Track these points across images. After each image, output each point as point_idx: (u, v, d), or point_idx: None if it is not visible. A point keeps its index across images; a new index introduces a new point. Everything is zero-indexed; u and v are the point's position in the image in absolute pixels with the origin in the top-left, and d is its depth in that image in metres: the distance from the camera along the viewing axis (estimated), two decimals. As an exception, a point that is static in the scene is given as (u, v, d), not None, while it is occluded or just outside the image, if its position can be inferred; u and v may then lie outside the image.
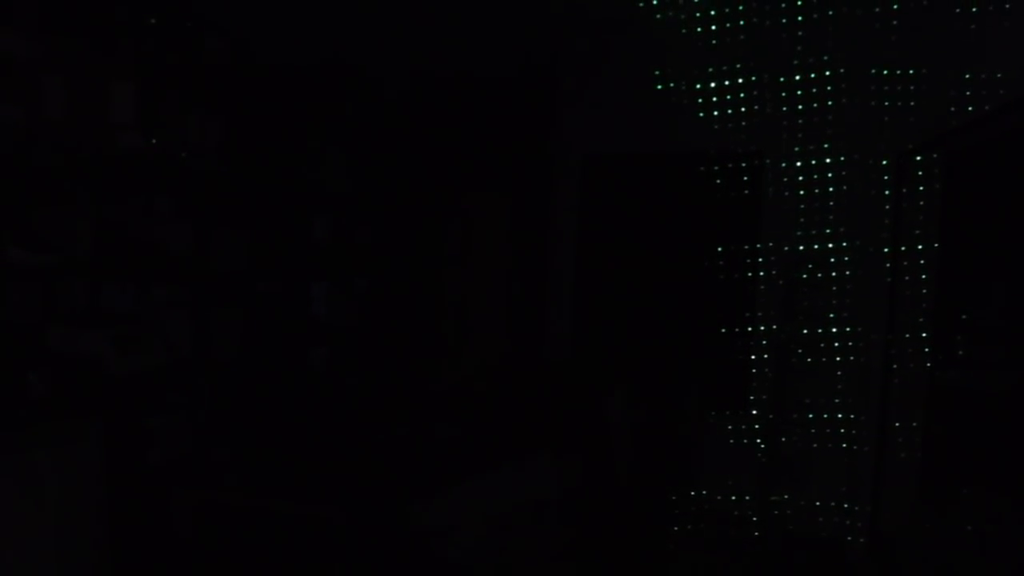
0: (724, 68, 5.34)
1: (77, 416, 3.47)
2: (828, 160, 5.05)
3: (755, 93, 5.24)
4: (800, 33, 5.08)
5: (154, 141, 3.81)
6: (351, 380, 4.92)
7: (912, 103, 4.62)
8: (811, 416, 5.13)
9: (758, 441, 5.26)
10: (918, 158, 4.68)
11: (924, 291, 4.80)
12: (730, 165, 5.41)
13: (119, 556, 3.58)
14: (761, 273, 5.31)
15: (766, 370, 5.26)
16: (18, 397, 3.31)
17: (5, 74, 3.23)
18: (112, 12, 3.70)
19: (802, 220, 5.14)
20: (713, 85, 5.36)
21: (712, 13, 5.34)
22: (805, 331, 5.13)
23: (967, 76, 4.15)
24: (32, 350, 3.48)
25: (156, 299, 4.01)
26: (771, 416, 5.18)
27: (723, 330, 5.48)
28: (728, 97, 5.33)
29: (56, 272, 3.55)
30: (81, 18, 3.56)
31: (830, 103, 5.00)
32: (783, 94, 5.15)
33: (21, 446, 3.19)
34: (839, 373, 5.04)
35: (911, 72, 4.64)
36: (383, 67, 5.20)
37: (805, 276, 5.11)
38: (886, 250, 4.81)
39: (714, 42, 5.35)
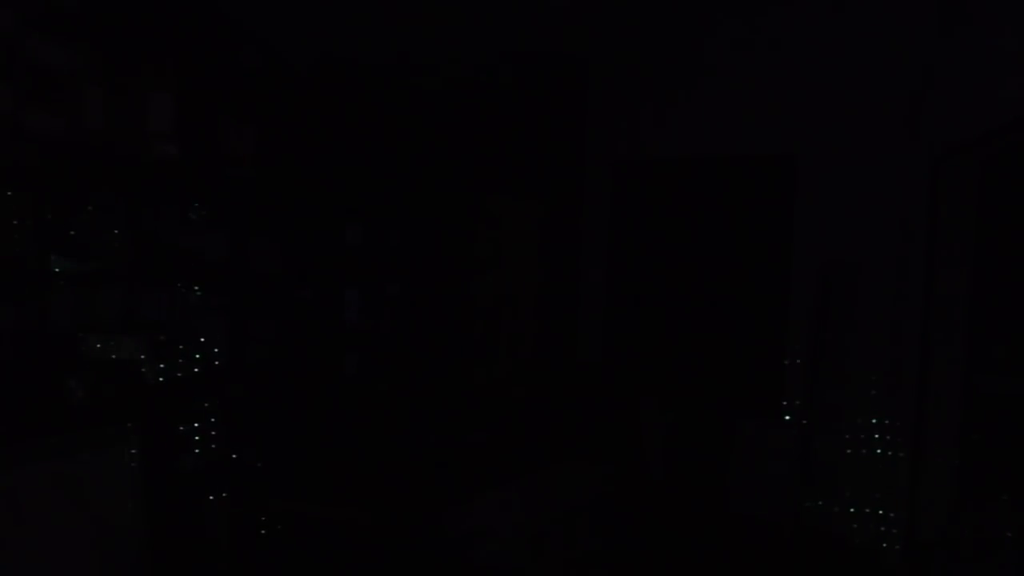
0: (757, 72, 5.31)
1: (114, 422, 3.52)
2: (863, 163, 5.00)
3: (789, 96, 5.21)
4: (834, 35, 5.05)
5: (190, 150, 3.86)
6: (383, 386, 4.94)
7: (950, 104, 4.56)
8: (846, 422, 5.08)
9: (792, 447, 5.21)
10: (956, 160, 4.63)
11: (961, 295, 4.74)
12: (763, 169, 5.38)
13: (154, 559, 3.62)
14: (795, 278, 5.26)
15: (800, 375, 5.21)
16: (57, 402, 3.36)
17: (46, 85, 3.29)
18: (150, 23, 3.75)
19: (836, 224, 5.10)
20: (745, 89, 5.34)
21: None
22: (839, 336, 5.08)
23: (1007, 75, 4.10)
24: (71, 356, 3.53)
25: (191, 306, 4.05)
26: (805, 422, 5.14)
27: (756, 335, 5.44)
28: (761, 101, 5.30)
29: (94, 279, 3.60)
30: (120, 29, 3.61)
31: (865, 105, 4.96)
32: (818, 96, 5.12)
33: (61, 450, 3.24)
34: (874, 378, 4.99)
35: (947, 73, 4.58)
36: (414, 71, 5.23)
37: (839, 281, 5.07)
38: (922, 254, 4.75)
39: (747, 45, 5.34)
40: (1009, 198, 4.75)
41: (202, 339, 4.04)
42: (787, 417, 5.27)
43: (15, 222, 3.27)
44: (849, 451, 5.07)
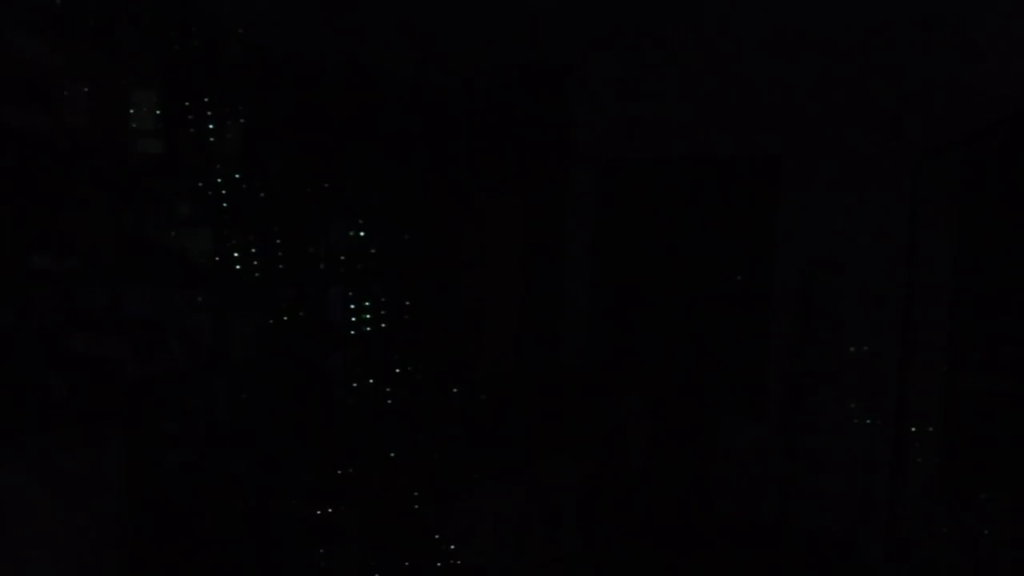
0: (741, 73, 5.34)
1: (97, 420, 3.50)
2: (846, 163, 5.03)
3: (773, 96, 5.23)
4: (815, 34, 5.08)
5: (174, 147, 3.84)
6: (368, 385, 4.94)
7: (931, 105, 4.60)
8: (828, 421, 5.12)
9: (775, 446, 5.25)
10: (937, 160, 4.66)
11: (943, 294, 4.78)
12: (747, 169, 5.40)
13: (138, 558, 3.60)
14: (778, 277, 5.29)
15: (783, 374, 5.25)
16: (39, 401, 3.34)
17: (27, 82, 3.27)
18: (133, 19, 3.73)
19: (820, 224, 5.13)
20: (730, 90, 5.36)
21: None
22: (822, 336, 5.12)
23: (986, 77, 4.13)
24: (53, 354, 3.51)
25: (175, 304, 4.04)
26: (788, 420, 5.17)
27: (740, 334, 5.48)
28: (745, 101, 5.32)
29: (77, 277, 3.59)
30: (102, 25, 3.59)
31: (849, 106, 4.99)
32: (802, 97, 5.14)
33: (43, 449, 3.22)
34: (856, 377, 5.03)
35: (929, 73, 4.61)
36: (398, 71, 5.23)
37: (823, 281, 5.10)
38: (905, 253, 4.78)
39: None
40: (990, 198, 4.80)
41: (186, 337, 4.03)
42: (770, 416, 5.31)
43: (-4, 219, 3.25)
44: (831, 449, 5.11)
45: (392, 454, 4.55)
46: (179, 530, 3.85)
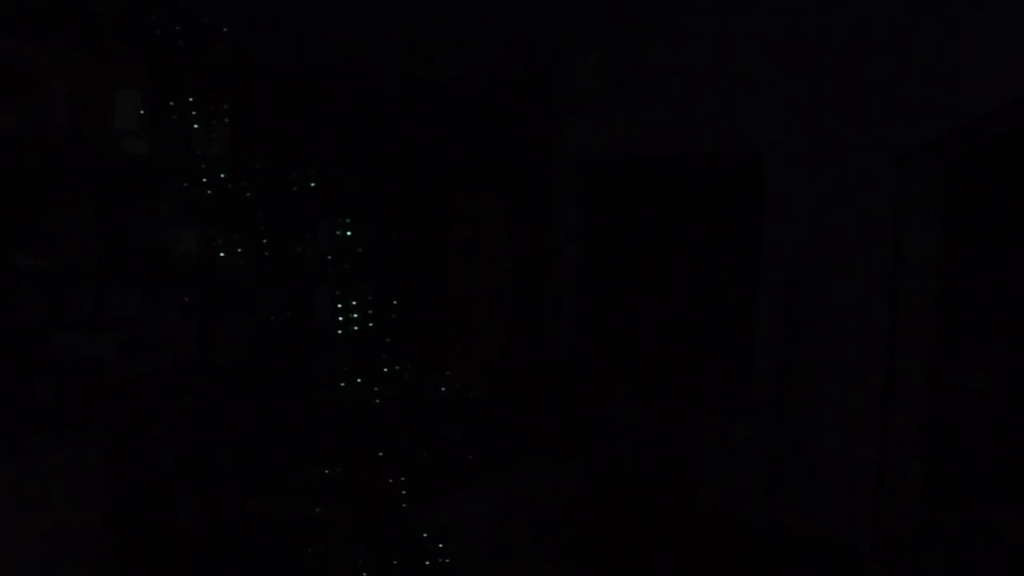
0: (727, 71, 5.36)
1: (83, 421, 3.49)
2: (831, 161, 5.05)
3: (758, 95, 5.25)
4: (799, 32, 5.10)
5: (159, 147, 3.83)
6: (354, 385, 4.93)
7: (914, 103, 4.62)
8: (815, 418, 5.13)
9: (762, 443, 5.26)
10: (921, 158, 4.68)
11: (928, 292, 4.80)
12: (733, 167, 5.42)
13: (124, 561, 3.59)
14: (764, 275, 5.31)
15: (769, 372, 5.26)
16: (24, 402, 3.33)
17: (11, 82, 3.25)
18: (117, 19, 3.72)
19: (805, 222, 5.15)
20: (714, 88, 5.38)
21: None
22: (808, 333, 5.14)
23: (969, 74, 4.15)
24: (38, 355, 3.49)
25: (161, 305, 4.02)
26: (774, 417, 5.19)
27: (727, 332, 5.49)
28: (731, 100, 5.34)
29: (62, 278, 3.57)
30: (86, 25, 3.58)
31: (834, 104, 5.01)
32: (787, 95, 5.16)
33: (27, 451, 3.21)
34: (842, 374, 5.05)
35: (912, 71, 4.63)
36: (385, 70, 5.23)
37: (808, 278, 5.12)
38: (889, 251, 4.80)
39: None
40: (975, 195, 4.82)
41: (172, 338, 4.01)
42: (756, 413, 5.32)
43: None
44: (818, 447, 5.13)
45: (380, 453, 4.54)
46: (166, 531, 3.84)
